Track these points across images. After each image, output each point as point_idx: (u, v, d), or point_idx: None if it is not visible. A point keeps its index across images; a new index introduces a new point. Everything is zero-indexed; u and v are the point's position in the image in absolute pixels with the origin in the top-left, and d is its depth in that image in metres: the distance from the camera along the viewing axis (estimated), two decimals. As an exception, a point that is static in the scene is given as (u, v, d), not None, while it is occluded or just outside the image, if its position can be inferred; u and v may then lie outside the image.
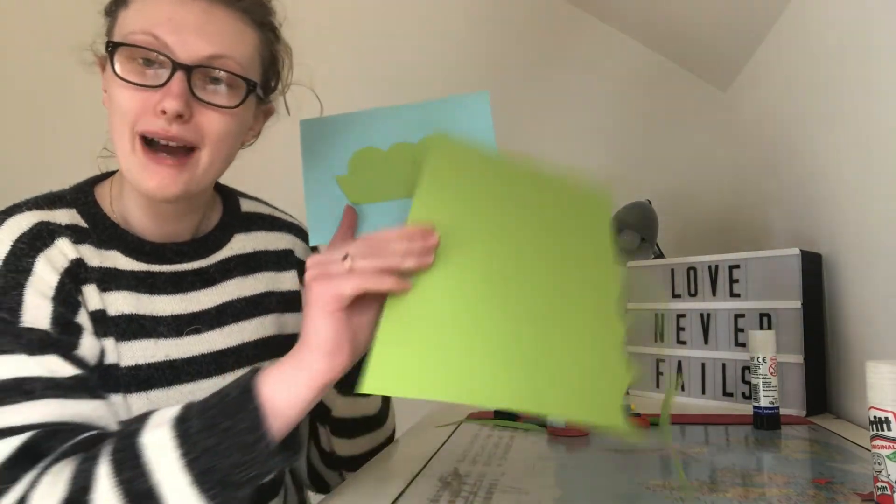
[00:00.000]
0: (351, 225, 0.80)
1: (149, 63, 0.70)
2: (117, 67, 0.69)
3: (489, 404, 0.63)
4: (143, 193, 0.72)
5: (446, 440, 0.91)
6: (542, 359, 0.64)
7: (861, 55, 1.01)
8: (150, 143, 0.70)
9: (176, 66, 0.69)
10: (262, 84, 0.77)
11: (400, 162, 0.87)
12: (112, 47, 0.69)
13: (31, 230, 0.70)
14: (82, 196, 0.77)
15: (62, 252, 0.70)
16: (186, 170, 0.71)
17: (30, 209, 0.72)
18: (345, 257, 0.60)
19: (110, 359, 0.71)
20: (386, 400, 0.90)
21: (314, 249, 0.91)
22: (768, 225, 1.48)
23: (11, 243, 0.68)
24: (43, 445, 0.61)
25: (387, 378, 0.60)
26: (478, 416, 1.06)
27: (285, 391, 0.60)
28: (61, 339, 0.67)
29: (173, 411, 0.61)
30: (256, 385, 0.60)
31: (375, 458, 0.84)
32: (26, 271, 0.67)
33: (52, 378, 0.65)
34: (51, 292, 0.68)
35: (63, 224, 0.72)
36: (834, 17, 1.11)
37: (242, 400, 0.59)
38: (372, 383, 0.58)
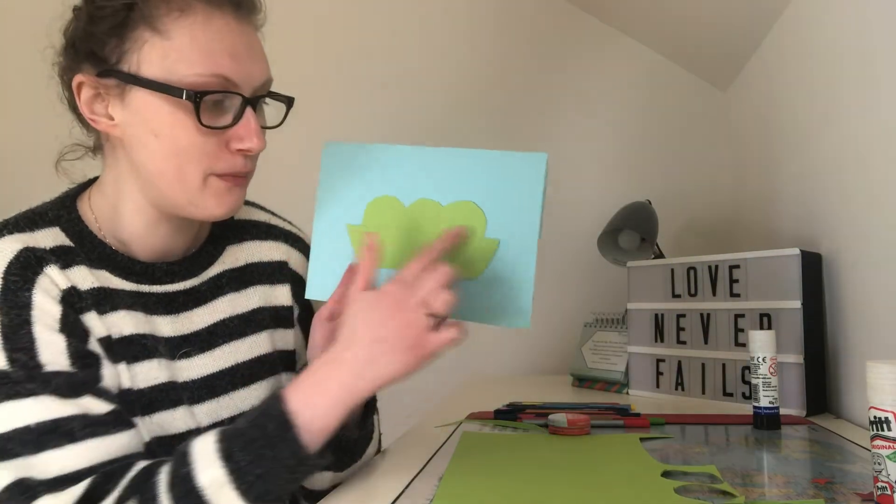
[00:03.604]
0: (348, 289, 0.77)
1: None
2: (203, 117, 0.66)
3: None
4: (201, 217, 0.72)
5: (446, 440, 0.91)
6: None
7: (860, 55, 1.01)
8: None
9: (246, 101, 0.68)
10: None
11: (422, 224, 0.72)
12: (198, 97, 0.66)
13: (17, 258, 0.67)
14: (65, 213, 0.73)
15: (53, 281, 0.68)
16: (246, 186, 0.74)
17: (10, 232, 0.69)
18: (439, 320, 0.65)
19: (125, 384, 0.71)
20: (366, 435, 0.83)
21: (307, 303, 0.87)
22: (768, 225, 1.48)
23: (2, 276, 0.65)
24: (100, 491, 0.63)
25: None
26: (478, 417, 1.06)
27: (321, 413, 0.65)
28: (87, 376, 0.67)
29: (211, 445, 0.64)
30: (292, 414, 0.64)
31: (375, 459, 0.84)
32: (27, 306, 0.65)
33: (88, 415, 0.65)
34: (56, 325, 0.66)
35: (48, 247, 0.69)
36: (834, 17, 1.11)
37: (280, 430, 0.64)
38: None
